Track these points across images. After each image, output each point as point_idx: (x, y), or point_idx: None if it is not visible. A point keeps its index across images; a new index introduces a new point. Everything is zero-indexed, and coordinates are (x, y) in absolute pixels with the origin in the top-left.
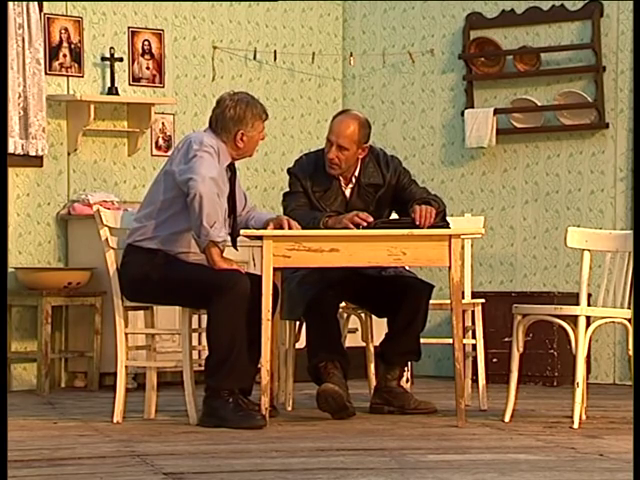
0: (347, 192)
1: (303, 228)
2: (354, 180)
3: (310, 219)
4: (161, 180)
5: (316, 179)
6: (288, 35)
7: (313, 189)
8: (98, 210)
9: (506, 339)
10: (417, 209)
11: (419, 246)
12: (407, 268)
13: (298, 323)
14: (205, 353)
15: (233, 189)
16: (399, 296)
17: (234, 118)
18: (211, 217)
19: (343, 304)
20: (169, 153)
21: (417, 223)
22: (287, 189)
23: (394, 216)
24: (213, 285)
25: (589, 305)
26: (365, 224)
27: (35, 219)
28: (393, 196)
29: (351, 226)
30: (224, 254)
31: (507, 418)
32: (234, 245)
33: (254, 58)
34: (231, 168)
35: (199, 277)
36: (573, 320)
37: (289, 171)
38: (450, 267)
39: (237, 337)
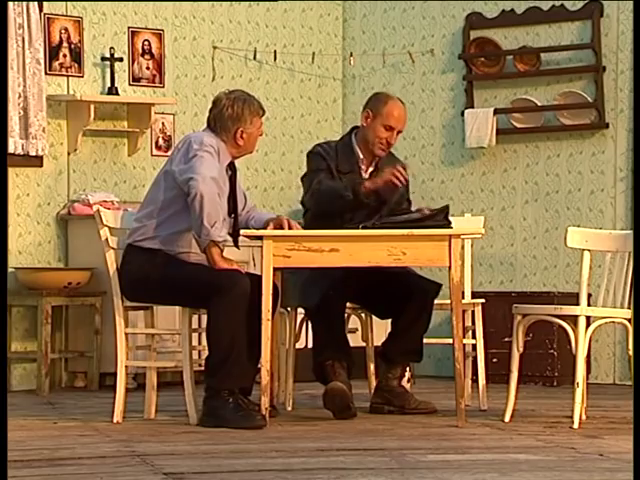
0: (366, 177)
1: (335, 195)
2: (374, 165)
3: (347, 182)
4: (161, 180)
5: (340, 161)
6: (288, 35)
7: (338, 168)
8: (98, 210)
9: (506, 339)
10: (387, 171)
11: (419, 246)
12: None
13: (298, 323)
14: (205, 353)
15: (234, 188)
16: (405, 296)
17: (232, 116)
18: (212, 217)
19: (348, 304)
20: (169, 153)
21: (395, 182)
22: (307, 170)
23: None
24: (213, 285)
25: (589, 305)
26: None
27: (35, 219)
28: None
29: (394, 180)
30: (225, 254)
31: (507, 418)
32: (236, 244)
33: (254, 58)
34: (231, 167)
35: (199, 277)
36: (573, 320)
37: (311, 152)
38: (450, 267)
39: (237, 337)
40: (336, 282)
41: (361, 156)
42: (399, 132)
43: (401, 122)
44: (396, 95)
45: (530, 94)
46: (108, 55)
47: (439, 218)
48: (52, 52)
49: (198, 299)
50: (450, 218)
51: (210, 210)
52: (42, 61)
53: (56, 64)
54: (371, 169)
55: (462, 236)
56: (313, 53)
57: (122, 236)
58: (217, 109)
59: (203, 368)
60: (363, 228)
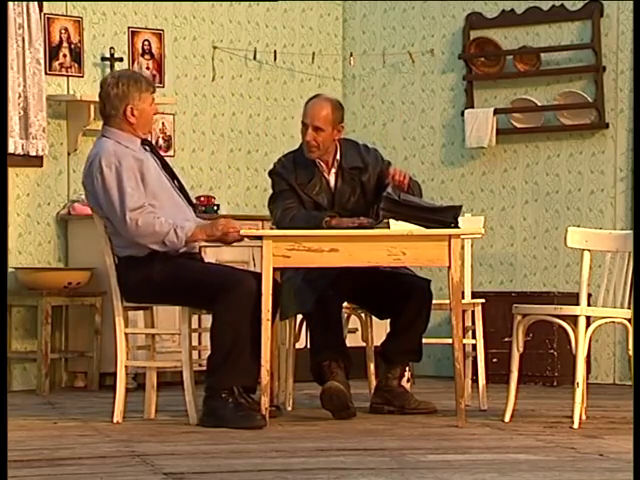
0: (331, 178)
1: (303, 228)
2: (336, 165)
3: (311, 218)
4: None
5: (299, 172)
6: (288, 35)
7: (298, 181)
8: None
9: (506, 339)
10: (391, 171)
11: (419, 246)
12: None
13: (298, 323)
14: (205, 353)
15: (161, 159)
16: (404, 296)
17: (119, 95)
18: (163, 234)
19: (345, 304)
20: (170, 153)
21: (395, 181)
22: (272, 192)
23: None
24: (219, 284)
25: (589, 305)
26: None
27: (35, 219)
28: (376, 184)
29: (356, 222)
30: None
31: (507, 418)
32: (193, 208)
33: (254, 58)
34: (146, 143)
35: (204, 277)
36: (573, 320)
37: (270, 172)
38: (450, 267)
39: (241, 336)
40: (332, 283)
41: (317, 160)
42: (317, 129)
43: (313, 117)
44: (396, 95)
45: (530, 94)
46: (108, 55)
47: (448, 215)
48: (52, 52)
49: (204, 299)
50: (459, 219)
51: (156, 237)
52: (42, 61)
53: (56, 64)
54: (334, 170)
55: (462, 236)
56: (313, 53)
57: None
58: (103, 92)
59: (203, 368)
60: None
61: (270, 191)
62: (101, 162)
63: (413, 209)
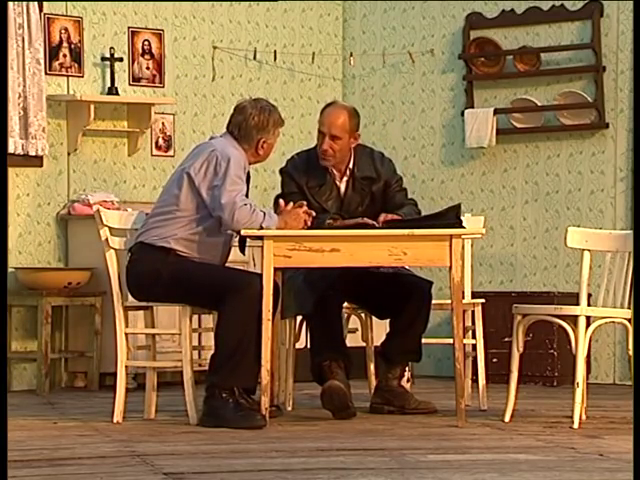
0: (342, 186)
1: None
2: (348, 173)
3: (313, 220)
4: (180, 182)
5: (311, 175)
6: (288, 35)
7: (308, 185)
8: (98, 210)
9: (506, 339)
10: (381, 218)
11: (420, 246)
12: (406, 267)
13: (298, 323)
14: (205, 353)
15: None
16: (404, 296)
17: (258, 126)
18: (259, 222)
19: (345, 304)
20: (170, 153)
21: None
22: (280, 190)
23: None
24: (226, 285)
25: (589, 305)
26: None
27: (35, 219)
28: (384, 194)
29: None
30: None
31: (507, 418)
32: (242, 249)
33: (254, 58)
34: (247, 175)
35: (213, 277)
36: (573, 320)
37: (282, 171)
38: (451, 267)
39: (245, 337)
40: (333, 283)
41: (330, 167)
42: (334, 137)
43: (330, 126)
44: (396, 95)
45: (530, 94)
46: (108, 55)
47: (451, 217)
48: (52, 52)
49: (211, 299)
50: (462, 217)
51: (254, 221)
52: (42, 61)
53: (56, 64)
54: (346, 178)
55: (462, 236)
56: (313, 53)
57: (123, 236)
58: (242, 117)
59: (203, 368)
60: (374, 227)
61: (271, 189)
62: (229, 153)
63: (415, 221)
